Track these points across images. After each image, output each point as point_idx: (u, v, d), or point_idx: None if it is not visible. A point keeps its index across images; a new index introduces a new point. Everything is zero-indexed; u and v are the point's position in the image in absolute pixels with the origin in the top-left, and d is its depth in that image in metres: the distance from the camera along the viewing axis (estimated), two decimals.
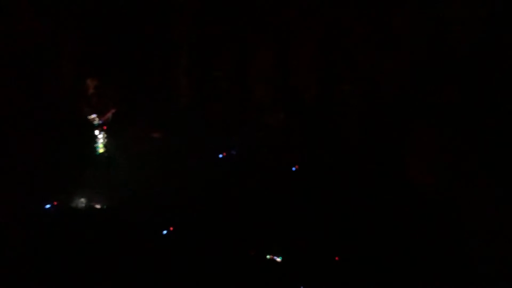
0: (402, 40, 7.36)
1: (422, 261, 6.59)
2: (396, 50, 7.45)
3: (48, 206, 7.43)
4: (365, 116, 7.64)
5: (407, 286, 6.48)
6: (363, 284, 6.64)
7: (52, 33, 7.93)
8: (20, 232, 7.06)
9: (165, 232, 7.29)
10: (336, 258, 7.04)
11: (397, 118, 7.31)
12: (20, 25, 7.54)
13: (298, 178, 8.14)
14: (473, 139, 6.76)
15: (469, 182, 6.68)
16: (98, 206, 7.65)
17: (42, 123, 7.62)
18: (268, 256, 7.10)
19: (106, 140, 8.18)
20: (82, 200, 7.65)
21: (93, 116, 8.20)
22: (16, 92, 7.55)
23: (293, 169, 8.27)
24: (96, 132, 8.18)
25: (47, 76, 7.90)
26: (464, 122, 6.85)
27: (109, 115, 8.30)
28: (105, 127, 8.21)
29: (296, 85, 8.52)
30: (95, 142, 8.13)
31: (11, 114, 7.47)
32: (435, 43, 7.10)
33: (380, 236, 7.01)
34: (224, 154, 8.49)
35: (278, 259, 7.06)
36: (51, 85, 7.85)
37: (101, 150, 8.17)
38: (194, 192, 7.73)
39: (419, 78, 7.12)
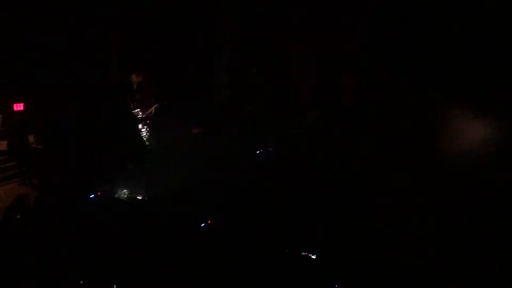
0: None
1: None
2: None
3: (92, 196, 7.70)
4: (403, 116, 7.54)
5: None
6: (396, 283, 6.58)
7: (100, 33, 8.25)
8: (65, 219, 7.36)
9: (203, 225, 7.42)
10: (370, 257, 6.98)
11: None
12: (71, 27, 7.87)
13: (335, 177, 8.14)
14: None
15: None
16: (139, 197, 7.88)
17: (90, 118, 7.91)
18: (303, 253, 7.11)
19: (148, 134, 8.47)
20: (125, 191, 7.92)
21: (137, 110, 8.50)
22: (65, 90, 7.86)
23: (328, 167, 8.29)
24: (139, 126, 8.49)
25: (95, 73, 8.19)
26: None
27: (152, 110, 8.58)
28: (148, 121, 8.51)
29: (334, 84, 8.53)
30: (139, 136, 8.42)
31: (62, 112, 7.78)
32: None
33: (413, 236, 6.93)
34: (261, 150, 8.61)
35: (313, 257, 7.07)
36: (98, 82, 8.15)
37: (144, 143, 8.46)
38: (232, 187, 7.85)
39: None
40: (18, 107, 7.93)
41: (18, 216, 6.79)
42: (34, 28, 7.63)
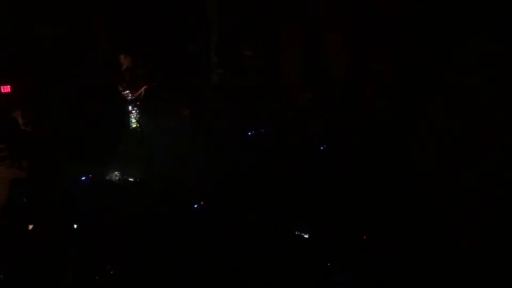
0: None
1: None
2: None
3: (83, 178, 7.65)
4: (397, 96, 7.55)
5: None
6: (389, 262, 6.66)
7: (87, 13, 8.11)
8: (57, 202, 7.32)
9: (196, 206, 7.43)
10: (364, 237, 7.05)
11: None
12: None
13: (326, 157, 8.17)
14: None
15: None
16: (131, 179, 7.85)
17: (79, 99, 7.81)
18: (296, 233, 7.15)
19: (138, 115, 8.41)
20: (116, 173, 7.88)
21: (126, 92, 8.41)
22: (53, 72, 7.74)
23: (321, 148, 8.32)
24: (129, 107, 8.43)
25: (85, 54, 8.06)
26: None
27: (141, 91, 8.50)
28: (138, 103, 8.45)
29: (326, 64, 8.48)
30: (128, 117, 8.36)
31: (51, 94, 7.68)
32: None
33: (408, 216, 6.99)
34: (253, 132, 8.60)
35: (306, 236, 7.12)
36: (88, 62, 8.02)
37: (134, 125, 8.41)
38: (224, 168, 7.85)
39: None
40: (5, 89, 7.81)
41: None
42: (19, 9, 7.47)
